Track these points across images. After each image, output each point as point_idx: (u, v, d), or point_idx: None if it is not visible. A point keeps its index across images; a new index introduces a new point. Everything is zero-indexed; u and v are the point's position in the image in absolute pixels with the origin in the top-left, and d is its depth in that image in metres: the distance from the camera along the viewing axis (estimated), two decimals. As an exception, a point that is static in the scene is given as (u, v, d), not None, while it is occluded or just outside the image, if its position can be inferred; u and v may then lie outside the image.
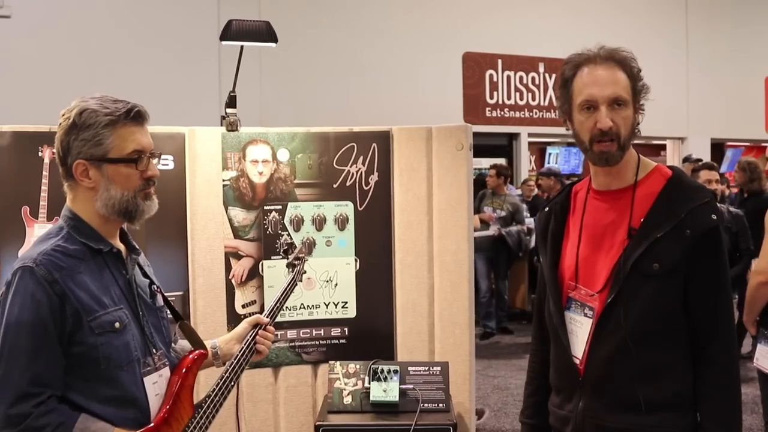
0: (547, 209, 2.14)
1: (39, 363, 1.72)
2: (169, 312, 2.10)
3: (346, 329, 3.36)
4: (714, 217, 1.85)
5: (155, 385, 1.91)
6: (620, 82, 1.86)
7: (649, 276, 1.84)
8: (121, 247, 1.96)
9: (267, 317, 2.32)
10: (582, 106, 1.87)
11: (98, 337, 1.77)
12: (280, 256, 3.20)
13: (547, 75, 10.73)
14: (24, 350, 1.71)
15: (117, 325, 1.82)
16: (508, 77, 10.58)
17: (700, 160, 7.38)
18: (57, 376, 1.74)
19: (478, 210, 8.00)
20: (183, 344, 2.18)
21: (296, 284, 2.61)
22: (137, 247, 2.02)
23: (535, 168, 12.24)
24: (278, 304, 2.42)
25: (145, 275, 2.03)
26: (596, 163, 1.91)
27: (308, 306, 3.33)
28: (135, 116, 1.86)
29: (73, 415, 1.73)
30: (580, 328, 1.96)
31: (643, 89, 1.91)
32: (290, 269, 2.68)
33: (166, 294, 2.09)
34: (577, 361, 1.96)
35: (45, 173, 2.93)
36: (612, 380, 1.90)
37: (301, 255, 2.72)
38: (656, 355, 1.87)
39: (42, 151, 2.94)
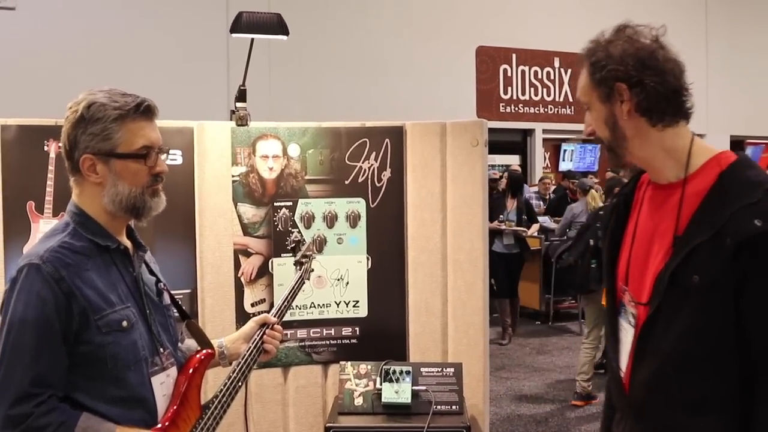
0: (615, 201, 1.91)
1: (42, 363, 1.67)
2: (175, 311, 2.06)
3: (357, 329, 3.30)
4: (758, 223, 1.51)
5: (163, 385, 1.87)
6: (581, 84, 1.72)
7: (690, 290, 1.58)
8: (128, 243, 1.92)
9: (275, 316, 2.28)
10: None
11: (105, 336, 1.73)
12: (291, 254, 3.15)
13: (562, 70, 10.64)
14: (27, 349, 1.67)
15: (125, 323, 1.78)
16: (523, 72, 10.50)
17: None
18: (60, 376, 1.70)
19: None
20: (189, 344, 2.14)
21: (304, 282, 2.55)
22: (144, 244, 1.98)
23: (549, 165, 12.15)
24: (286, 303, 2.38)
25: (152, 273, 1.98)
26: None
27: (319, 305, 3.27)
28: (144, 111, 1.82)
29: (75, 414, 1.69)
30: (625, 337, 1.77)
31: (609, 76, 1.64)
32: (298, 267, 2.62)
33: (173, 292, 2.06)
34: (622, 375, 1.76)
35: (51, 168, 2.88)
36: (652, 407, 1.68)
37: (309, 252, 2.66)
38: (701, 384, 1.61)
39: (48, 145, 2.89)
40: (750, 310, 1.56)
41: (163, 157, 1.90)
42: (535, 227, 8.16)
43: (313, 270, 2.70)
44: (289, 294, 2.41)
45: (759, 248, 1.52)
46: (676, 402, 1.63)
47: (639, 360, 1.69)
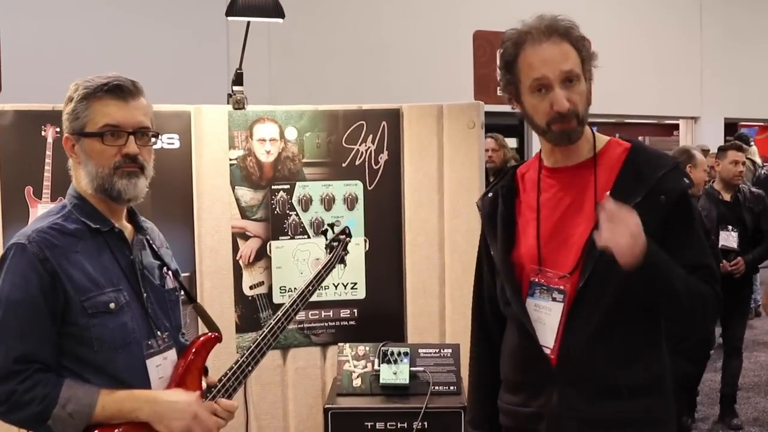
0: (490, 194, 2.01)
1: (27, 343, 1.69)
2: (182, 293, 2.06)
3: (355, 311, 3.32)
4: (687, 181, 1.81)
5: (159, 367, 1.86)
6: (570, 57, 1.74)
7: None
8: (128, 226, 1.92)
9: (299, 301, 2.31)
10: (533, 88, 1.75)
11: (90, 319, 1.74)
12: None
13: (558, 54, 10.63)
14: (12, 329, 1.69)
15: (112, 305, 1.78)
16: (519, 56, 10.49)
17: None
18: (48, 353, 1.72)
19: None
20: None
21: (334, 267, 2.56)
22: (146, 227, 1.98)
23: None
24: (311, 288, 2.41)
25: (157, 256, 1.98)
26: (558, 143, 1.80)
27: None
28: (112, 90, 1.80)
29: (57, 384, 1.70)
30: (548, 315, 1.82)
31: (590, 56, 1.80)
32: (328, 251, 2.62)
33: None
34: (548, 351, 1.81)
35: (48, 153, 2.89)
36: (590, 367, 1.77)
37: (341, 236, 2.67)
38: (635, 337, 1.79)
39: (45, 131, 2.89)
40: (670, 249, 1.74)
41: (153, 140, 1.88)
42: None
43: (347, 253, 2.70)
44: (313, 279, 2.43)
45: (686, 202, 1.80)
46: (613, 356, 1.77)
47: (573, 326, 1.78)
